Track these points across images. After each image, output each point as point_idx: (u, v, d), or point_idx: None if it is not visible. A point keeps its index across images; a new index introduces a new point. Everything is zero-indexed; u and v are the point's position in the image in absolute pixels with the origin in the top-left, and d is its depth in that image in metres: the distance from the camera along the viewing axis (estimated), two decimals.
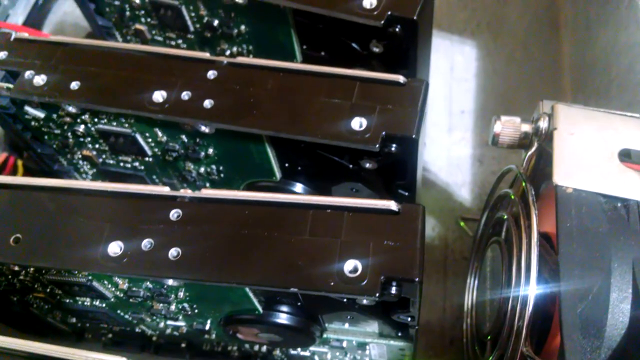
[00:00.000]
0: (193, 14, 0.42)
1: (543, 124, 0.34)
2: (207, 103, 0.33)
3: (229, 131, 0.34)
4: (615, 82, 0.47)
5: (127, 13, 0.44)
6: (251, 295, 0.32)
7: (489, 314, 0.36)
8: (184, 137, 0.36)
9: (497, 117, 0.37)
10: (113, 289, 0.34)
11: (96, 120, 0.37)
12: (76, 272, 0.32)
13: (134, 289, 0.34)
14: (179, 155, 0.38)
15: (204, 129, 0.34)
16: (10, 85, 0.35)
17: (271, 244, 0.29)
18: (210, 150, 0.37)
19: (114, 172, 0.42)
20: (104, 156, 0.40)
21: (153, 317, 0.38)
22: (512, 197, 0.36)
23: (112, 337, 0.44)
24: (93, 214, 0.30)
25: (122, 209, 0.30)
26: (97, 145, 0.39)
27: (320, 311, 0.35)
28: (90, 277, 0.33)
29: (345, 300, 0.31)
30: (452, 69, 0.61)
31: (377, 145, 0.32)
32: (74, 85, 0.35)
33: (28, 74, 0.35)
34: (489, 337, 0.35)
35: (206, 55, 0.35)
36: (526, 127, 0.36)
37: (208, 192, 0.31)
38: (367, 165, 0.34)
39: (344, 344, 0.39)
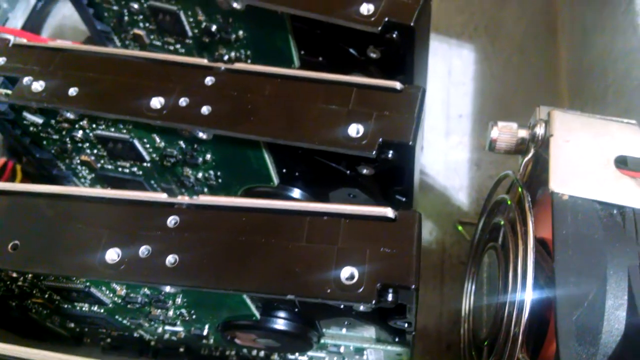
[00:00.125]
0: (191, 19, 0.42)
1: (539, 131, 0.34)
2: (205, 109, 0.34)
3: (226, 137, 0.34)
4: (611, 88, 0.47)
5: (126, 18, 0.44)
6: (248, 301, 0.32)
7: (486, 319, 0.36)
8: (181, 143, 0.36)
9: (493, 122, 0.37)
10: (111, 295, 0.34)
11: (94, 126, 0.37)
12: (74, 278, 0.32)
13: (131, 295, 0.34)
14: (177, 161, 0.38)
15: (202, 135, 0.34)
16: (9, 91, 0.36)
17: (268, 250, 0.29)
18: (208, 156, 0.37)
19: (113, 177, 0.42)
20: (102, 161, 0.41)
21: (151, 323, 0.38)
22: (509, 202, 0.36)
23: (111, 341, 0.44)
24: (91, 221, 0.30)
25: (120, 215, 0.30)
26: (95, 151, 0.40)
27: (317, 317, 0.35)
28: (88, 284, 0.33)
29: (342, 306, 0.31)
30: (450, 73, 0.61)
31: (374, 152, 0.32)
32: (72, 91, 0.35)
33: (26, 79, 0.35)
34: (485, 343, 0.35)
35: (204, 61, 0.35)
36: (523, 133, 0.36)
37: (205, 199, 0.31)
38: (364, 171, 0.35)
39: (342, 349, 0.39)
